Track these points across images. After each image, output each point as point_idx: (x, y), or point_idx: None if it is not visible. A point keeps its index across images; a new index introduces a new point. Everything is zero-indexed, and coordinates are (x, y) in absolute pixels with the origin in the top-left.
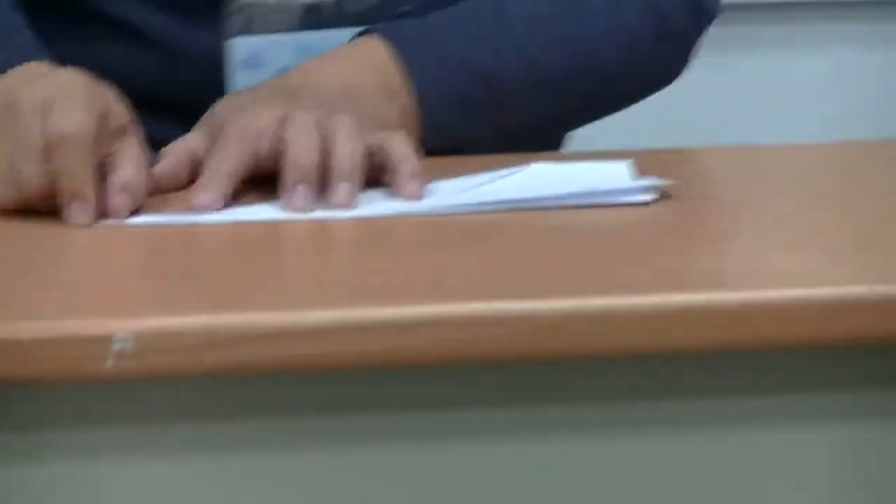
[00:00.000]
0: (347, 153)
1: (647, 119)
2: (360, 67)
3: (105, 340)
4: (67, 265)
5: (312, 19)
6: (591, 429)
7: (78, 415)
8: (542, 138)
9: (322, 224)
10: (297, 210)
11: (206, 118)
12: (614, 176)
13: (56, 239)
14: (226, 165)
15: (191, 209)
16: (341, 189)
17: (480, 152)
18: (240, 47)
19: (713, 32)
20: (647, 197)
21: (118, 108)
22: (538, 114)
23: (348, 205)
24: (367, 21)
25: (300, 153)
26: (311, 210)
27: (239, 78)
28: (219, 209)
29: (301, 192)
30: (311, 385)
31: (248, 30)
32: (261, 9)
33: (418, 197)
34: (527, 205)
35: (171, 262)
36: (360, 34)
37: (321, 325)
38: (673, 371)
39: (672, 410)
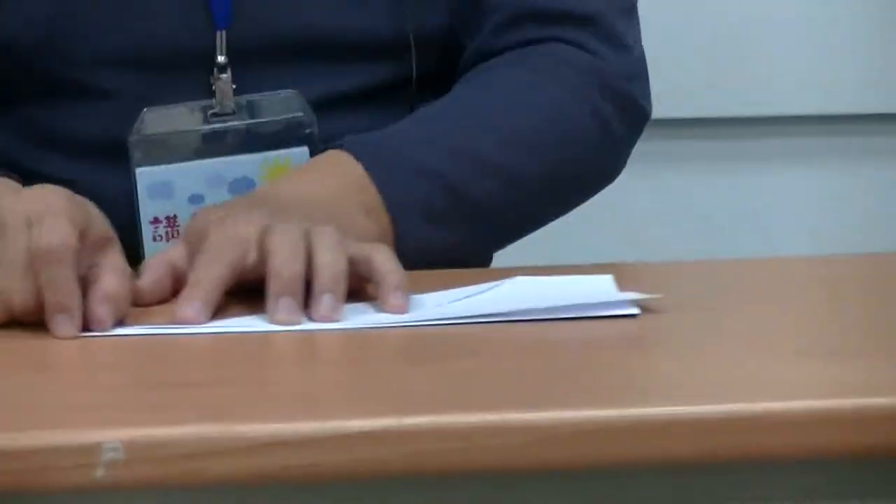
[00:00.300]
0: (331, 264)
1: (636, 231)
2: (335, 182)
3: (94, 449)
4: (53, 375)
5: (216, 147)
6: None
7: None
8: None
9: (307, 335)
10: (282, 323)
11: (187, 229)
12: (599, 289)
13: (41, 350)
14: (209, 277)
15: (175, 321)
16: (325, 301)
17: (459, 263)
18: (147, 176)
19: (698, 146)
20: (635, 310)
21: (99, 221)
22: (507, 217)
23: (332, 317)
24: (274, 144)
25: (283, 264)
26: (298, 322)
27: (148, 206)
28: (203, 322)
29: (286, 305)
30: (299, 495)
31: (153, 160)
32: (160, 138)
33: (403, 309)
34: (512, 317)
35: (158, 371)
36: (326, 148)
37: (308, 435)
38: (668, 480)
39: None
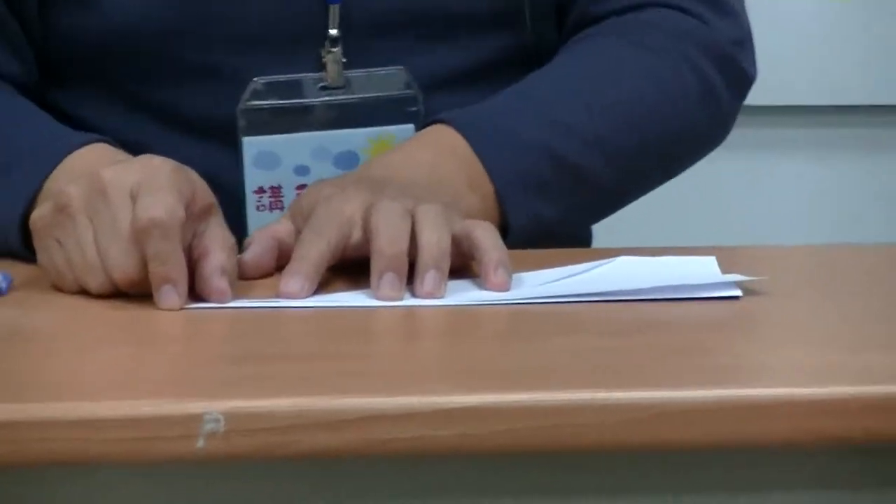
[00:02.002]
0: (434, 241)
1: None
2: (440, 157)
3: (195, 420)
4: (156, 347)
5: (323, 119)
6: None
7: (164, 496)
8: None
9: (409, 311)
10: (385, 299)
11: (293, 205)
12: (702, 271)
13: (145, 322)
14: (314, 253)
15: (279, 296)
16: (428, 278)
17: (562, 240)
18: (254, 146)
19: None
20: (738, 292)
21: (202, 190)
22: (608, 189)
23: (436, 293)
24: (381, 120)
25: (387, 242)
26: (400, 298)
27: (253, 176)
28: (306, 297)
29: (389, 281)
30: (398, 470)
31: (260, 130)
32: (268, 109)
33: (504, 287)
34: (614, 297)
35: (260, 344)
36: (429, 123)
37: (408, 410)
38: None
39: None
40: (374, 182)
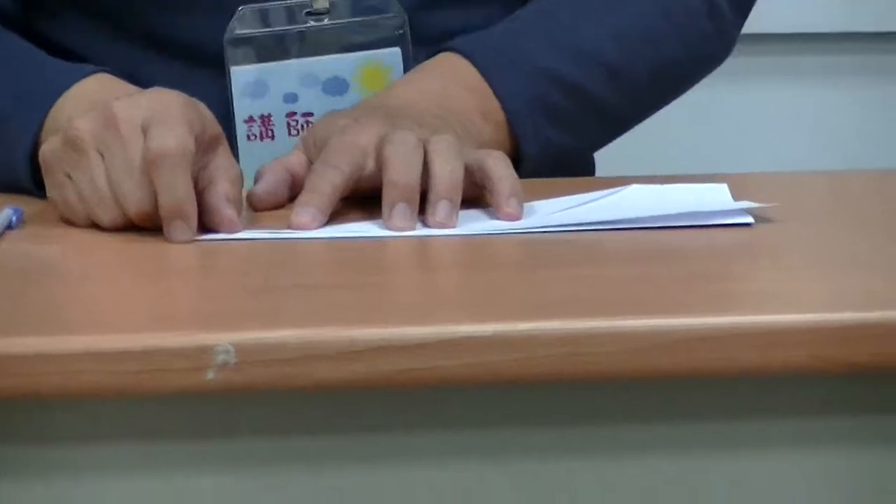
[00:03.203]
0: (447, 172)
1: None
2: (452, 87)
3: (207, 352)
4: (167, 280)
5: (310, 46)
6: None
7: (174, 427)
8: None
9: (421, 242)
10: (397, 229)
11: (306, 136)
12: (714, 198)
13: (156, 255)
14: (326, 184)
15: (290, 227)
16: (440, 207)
17: (575, 169)
18: (242, 75)
19: None
20: (749, 219)
21: (212, 123)
22: (617, 115)
23: (447, 223)
24: (367, 44)
25: (399, 172)
26: (412, 228)
27: (242, 105)
28: (318, 227)
29: (401, 211)
30: (410, 400)
31: (247, 59)
32: (254, 37)
33: (516, 217)
34: (626, 225)
35: (270, 276)
36: (439, 51)
37: (420, 340)
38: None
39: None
40: (387, 112)
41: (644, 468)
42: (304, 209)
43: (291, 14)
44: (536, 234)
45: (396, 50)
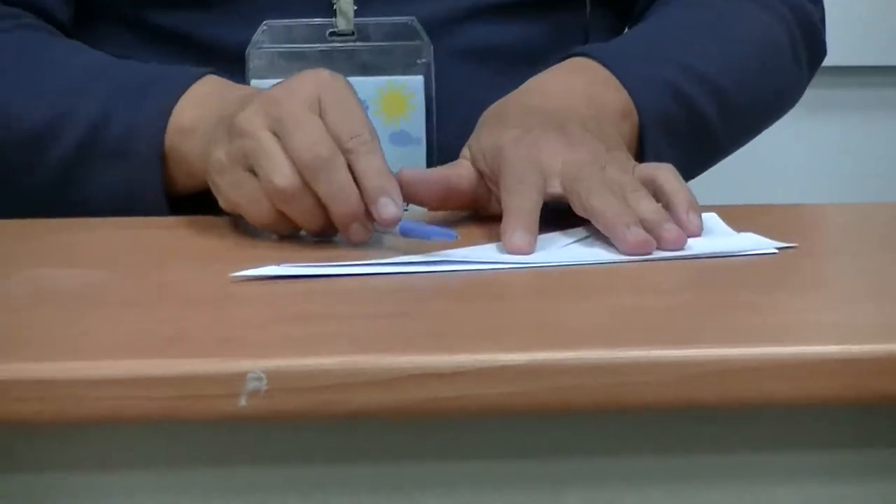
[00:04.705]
0: (652, 210)
1: None
2: (595, 85)
3: (239, 379)
4: (205, 307)
5: (332, 66)
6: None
7: (207, 455)
8: None
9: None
10: (634, 250)
11: (472, 145)
12: (741, 243)
13: (192, 283)
14: (529, 203)
15: (508, 251)
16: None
17: None
18: (262, 88)
19: None
20: (773, 249)
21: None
22: (719, 142)
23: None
24: (389, 69)
25: (616, 216)
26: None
27: None
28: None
29: (635, 234)
30: (441, 428)
31: (268, 73)
32: (277, 52)
33: (697, 232)
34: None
35: (304, 304)
36: (567, 56)
37: (455, 368)
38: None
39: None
40: (550, 119)
41: (675, 498)
42: (516, 232)
43: (316, 32)
44: (561, 265)
45: (420, 78)
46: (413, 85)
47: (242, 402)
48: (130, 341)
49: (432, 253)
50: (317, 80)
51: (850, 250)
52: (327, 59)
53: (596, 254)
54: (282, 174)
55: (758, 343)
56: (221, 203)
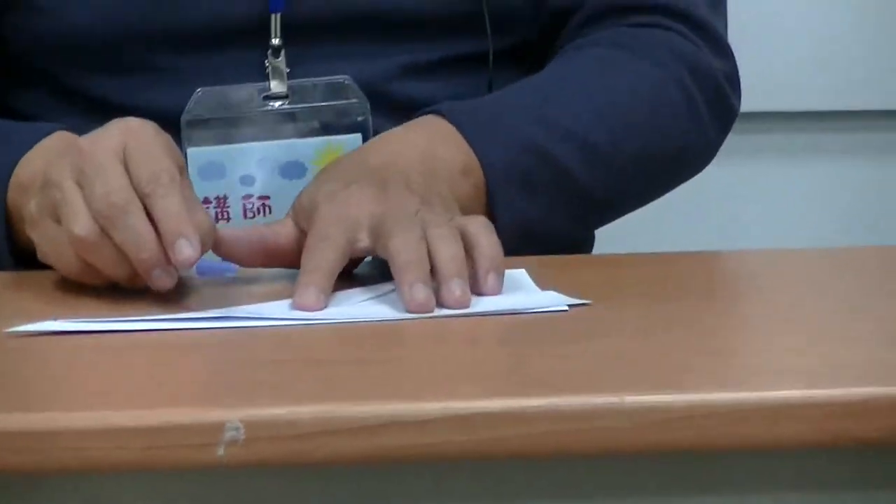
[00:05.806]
0: (451, 258)
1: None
2: (435, 143)
3: (216, 429)
4: (175, 355)
5: (269, 129)
6: None
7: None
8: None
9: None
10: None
11: (295, 202)
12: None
13: (163, 330)
14: (323, 261)
15: (295, 307)
16: (455, 286)
17: (556, 245)
18: (199, 156)
19: None
20: (564, 306)
21: (176, 150)
22: (594, 196)
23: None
24: (327, 129)
25: (410, 270)
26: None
27: (199, 186)
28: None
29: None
30: (418, 475)
31: (205, 140)
32: (212, 119)
33: (495, 292)
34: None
35: (278, 351)
36: (422, 113)
37: (428, 416)
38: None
39: None
40: (373, 174)
41: None
42: (307, 290)
43: (250, 96)
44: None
45: (357, 136)
46: (351, 143)
47: (220, 451)
48: (102, 390)
49: (222, 308)
50: (124, 129)
51: (811, 294)
52: (262, 122)
53: (383, 311)
54: (80, 224)
55: (727, 388)
56: (38, 255)
